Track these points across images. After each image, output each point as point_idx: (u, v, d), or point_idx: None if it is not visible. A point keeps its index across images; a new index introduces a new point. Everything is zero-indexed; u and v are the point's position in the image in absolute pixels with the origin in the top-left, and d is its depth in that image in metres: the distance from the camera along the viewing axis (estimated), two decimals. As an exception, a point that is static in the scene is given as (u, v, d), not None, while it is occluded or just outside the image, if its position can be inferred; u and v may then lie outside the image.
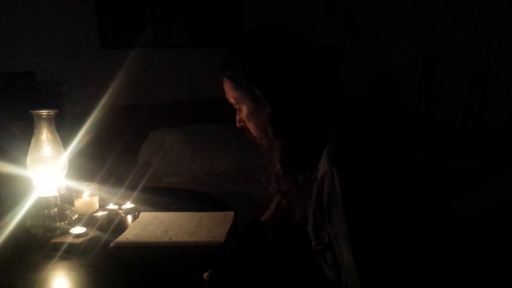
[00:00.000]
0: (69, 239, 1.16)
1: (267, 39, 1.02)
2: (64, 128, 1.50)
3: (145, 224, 1.28)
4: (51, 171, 1.20)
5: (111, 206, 1.41)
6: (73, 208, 1.29)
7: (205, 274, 1.11)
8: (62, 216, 1.22)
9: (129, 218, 1.36)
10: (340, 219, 0.88)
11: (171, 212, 1.37)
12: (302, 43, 1.02)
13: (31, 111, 1.19)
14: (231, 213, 1.35)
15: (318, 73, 1.01)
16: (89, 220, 1.29)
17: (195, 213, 1.35)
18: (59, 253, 1.11)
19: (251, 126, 1.07)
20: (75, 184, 1.38)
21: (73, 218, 1.24)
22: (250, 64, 1.00)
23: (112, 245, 1.15)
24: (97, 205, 1.42)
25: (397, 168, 0.98)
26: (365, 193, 0.88)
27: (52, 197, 1.22)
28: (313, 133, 0.96)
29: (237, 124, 1.11)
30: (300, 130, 0.97)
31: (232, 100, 1.07)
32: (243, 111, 1.06)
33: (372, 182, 0.89)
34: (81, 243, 1.14)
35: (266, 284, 1.16)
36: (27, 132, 1.25)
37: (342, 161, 0.89)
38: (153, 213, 1.36)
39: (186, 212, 1.36)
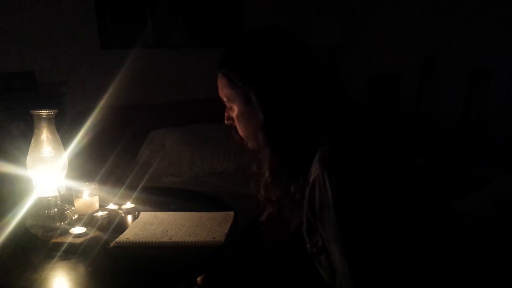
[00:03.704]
0: (69, 239, 1.16)
1: (268, 45, 1.01)
2: (64, 128, 1.50)
3: (145, 224, 1.28)
4: (51, 171, 1.20)
5: (111, 206, 1.41)
6: (73, 208, 1.29)
7: (198, 278, 1.11)
8: (62, 216, 1.22)
9: (129, 218, 1.36)
10: (332, 223, 0.87)
11: (171, 212, 1.37)
12: (301, 50, 1.02)
13: (31, 111, 1.18)
14: (231, 213, 1.35)
15: (315, 80, 1.00)
16: (89, 220, 1.29)
17: (195, 213, 1.35)
18: (59, 253, 1.11)
19: (239, 127, 1.07)
20: (75, 184, 1.38)
21: (73, 218, 1.24)
22: (248, 68, 0.99)
23: (112, 245, 1.14)
24: (97, 205, 1.42)
25: (391, 171, 0.97)
26: (356, 198, 0.87)
27: (52, 197, 1.22)
28: (306, 141, 0.96)
29: (225, 121, 1.11)
30: (292, 138, 0.96)
31: (224, 98, 1.07)
32: (234, 110, 1.05)
33: (363, 186, 0.88)
34: (81, 243, 1.14)
35: (264, 285, 1.16)
36: (27, 132, 1.25)
37: (334, 166, 0.88)
38: (153, 213, 1.36)
39: (186, 212, 1.36)
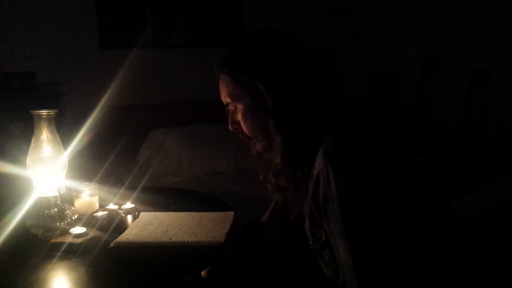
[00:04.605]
0: (69, 239, 1.16)
1: (267, 38, 1.05)
2: (64, 128, 1.50)
3: (145, 224, 1.28)
4: (51, 171, 1.20)
5: (111, 206, 1.41)
6: (73, 208, 1.28)
7: (203, 272, 1.11)
8: (62, 216, 1.22)
9: (129, 218, 1.36)
10: (336, 216, 0.88)
11: (171, 212, 1.37)
12: (299, 43, 1.05)
13: (31, 111, 1.18)
14: (231, 213, 1.35)
15: (315, 70, 1.03)
16: (89, 220, 1.29)
17: (195, 213, 1.35)
18: (59, 253, 1.10)
19: (247, 125, 1.07)
20: (75, 184, 1.38)
21: (73, 218, 1.24)
22: (252, 60, 1.02)
23: (112, 245, 1.14)
24: (97, 205, 1.42)
25: (393, 167, 0.98)
26: (360, 191, 0.88)
27: (52, 197, 1.21)
28: (312, 128, 0.97)
29: (230, 127, 1.12)
30: (300, 125, 0.98)
31: (227, 99, 1.08)
32: (239, 110, 1.06)
33: (367, 180, 0.89)
34: (81, 243, 1.14)
35: (265, 284, 1.16)
36: (27, 132, 1.25)
37: (337, 160, 0.90)
38: (153, 213, 1.36)
39: (186, 212, 1.36)
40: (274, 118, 0.99)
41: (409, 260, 0.90)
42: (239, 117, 1.07)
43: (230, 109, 1.10)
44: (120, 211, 1.38)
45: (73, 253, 1.11)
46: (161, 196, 1.59)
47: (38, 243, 1.17)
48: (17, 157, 1.42)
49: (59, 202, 1.23)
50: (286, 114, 0.98)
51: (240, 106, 1.06)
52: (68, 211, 1.24)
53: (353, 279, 0.88)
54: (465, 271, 0.94)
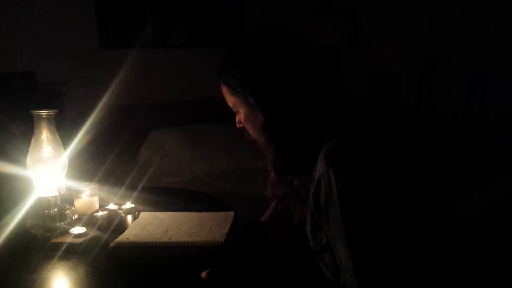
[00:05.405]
0: (69, 239, 1.16)
1: (262, 46, 1.02)
2: (64, 128, 1.50)
3: (145, 224, 1.28)
4: (51, 171, 1.20)
5: (111, 206, 1.41)
6: (73, 208, 1.29)
7: (203, 273, 1.12)
8: (62, 216, 1.22)
9: (129, 218, 1.36)
10: (337, 220, 0.88)
11: (171, 212, 1.37)
12: (297, 48, 1.02)
13: (31, 111, 1.18)
14: (231, 213, 1.35)
15: (313, 78, 1.00)
16: (89, 220, 1.29)
17: (195, 213, 1.35)
18: (59, 253, 1.11)
19: (248, 129, 1.08)
20: (75, 184, 1.38)
21: (73, 218, 1.24)
22: (244, 71, 1.00)
23: (112, 245, 1.15)
24: (97, 205, 1.42)
25: (394, 169, 0.98)
26: (361, 194, 0.88)
27: (52, 197, 1.22)
28: (308, 138, 0.96)
29: (237, 125, 1.12)
30: (294, 137, 0.97)
31: (230, 104, 1.09)
32: (241, 114, 1.07)
33: (368, 183, 0.89)
34: (81, 243, 1.14)
35: (266, 284, 1.16)
36: (27, 132, 1.25)
37: (339, 163, 0.89)
38: (153, 213, 1.37)
39: (186, 212, 1.36)
40: (265, 131, 0.99)
41: (410, 264, 0.90)
42: (242, 120, 1.08)
43: (234, 111, 1.10)
44: (120, 211, 1.38)
45: (73, 253, 1.11)
46: (161, 196, 1.59)
47: (38, 243, 1.17)
48: (17, 157, 1.42)
49: (59, 202, 1.23)
50: (278, 128, 0.98)
51: (241, 111, 1.06)
52: (68, 211, 1.24)
53: (353, 283, 0.88)
54: (467, 273, 0.94)
